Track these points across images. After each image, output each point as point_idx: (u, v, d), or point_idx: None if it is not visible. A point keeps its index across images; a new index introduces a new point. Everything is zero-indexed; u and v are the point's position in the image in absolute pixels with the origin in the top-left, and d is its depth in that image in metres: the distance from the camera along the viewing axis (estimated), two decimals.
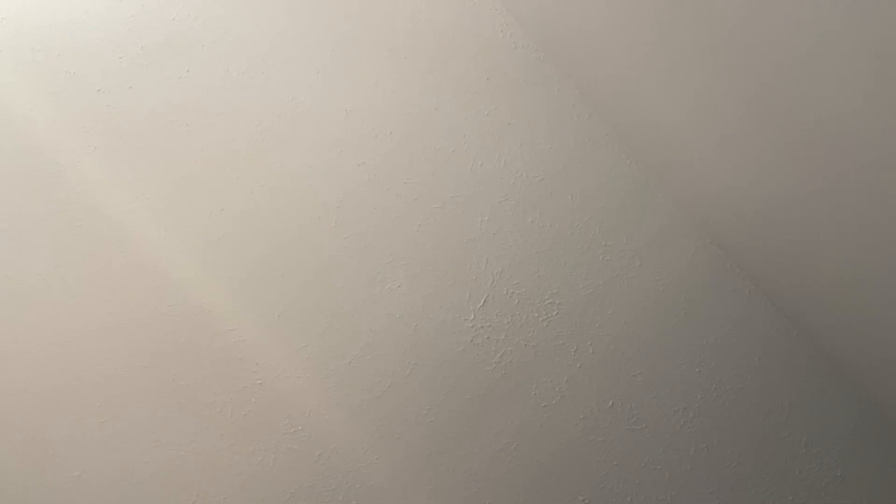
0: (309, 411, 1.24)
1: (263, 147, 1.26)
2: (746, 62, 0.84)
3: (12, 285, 1.22)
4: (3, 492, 1.20)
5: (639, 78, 1.11)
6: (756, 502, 1.26)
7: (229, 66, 1.26)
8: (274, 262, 1.25)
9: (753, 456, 1.26)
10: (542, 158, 1.29)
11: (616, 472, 1.25)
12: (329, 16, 1.28)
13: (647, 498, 1.25)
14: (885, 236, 0.88)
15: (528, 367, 1.26)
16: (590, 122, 1.29)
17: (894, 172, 0.77)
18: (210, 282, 1.24)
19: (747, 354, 1.28)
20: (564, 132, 1.29)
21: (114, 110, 1.25)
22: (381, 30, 1.28)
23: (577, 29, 1.16)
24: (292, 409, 1.24)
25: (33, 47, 1.24)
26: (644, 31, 0.99)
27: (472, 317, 1.26)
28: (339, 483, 1.20)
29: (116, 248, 1.24)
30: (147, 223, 1.25)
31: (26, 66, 1.24)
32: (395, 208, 1.27)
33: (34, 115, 1.24)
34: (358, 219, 1.27)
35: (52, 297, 1.23)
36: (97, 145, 1.24)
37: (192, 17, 1.26)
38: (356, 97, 1.27)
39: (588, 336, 1.27)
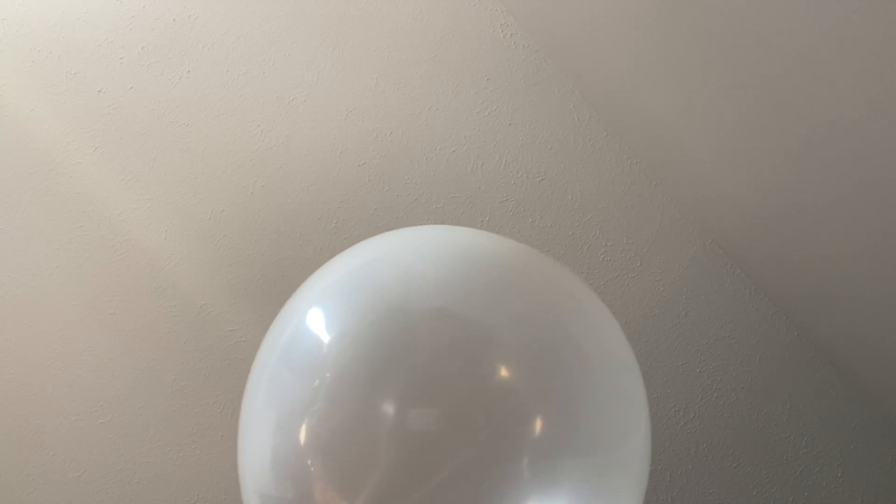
0: None
1: (263, 147, 1.26)
2: (748, 62, 0.84)
3: (12, 285, 1.22)
4: (4, 492, 1.20)
5: (639, 78, 1.10)
6: (756, 502, 1.26)
7: (229, 67, 1.26)
8: (274, 262, 1.25)
9: (753, 456, 1.26)
10: (542, 158, 1.29)
11: None
12: (329, 16, 1.28)
13: (647, 498, 1.25)
14: (886, 236, 0.88)
15: None
16: (590, 122, 1.29)
17: (894, 172, 0.77)
18: (210, 282, 1.24)
19: (747, 354, 1.28)
20: (564, 132, 1.29)
21: (114, 110, 1.25)
22: (380, 30, 1.28)
23: (578, 29, 1.16)
24: None
25: (33, 48, 1.24)
26: (645, 32, 0.98)
27: None
28: None
29: (116, 249, 1.24)
30: (147, 223, 1.25)
31: (26, 67, 1.24)
32: (396, 209, 1.27)
33: (34, 116, 1.24)
34: (358, 219, 1.27)
35: (52, 298, 1.23)
36: (97, 145, 1.24)
37: (192, 17, 1.26)
38: (356, 97, 1.27)
39: None
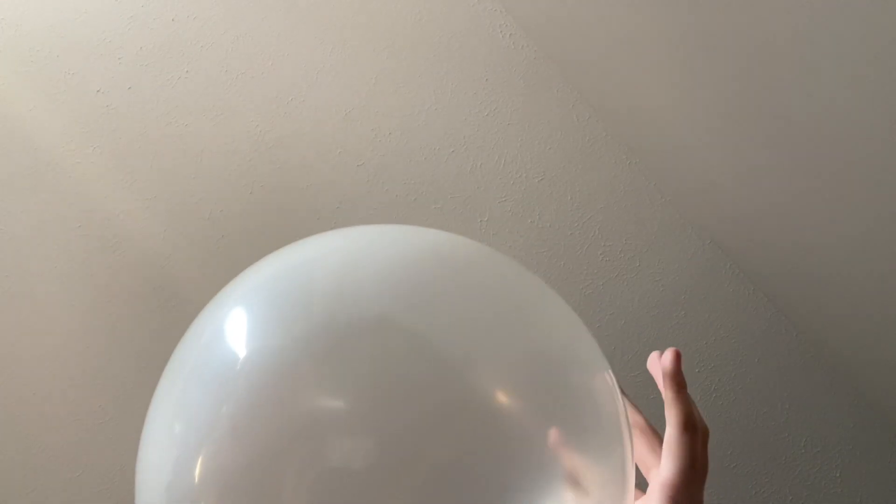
0: None
1: (262, 147, 1.26)
2: (747, 63, 0.84)
3: (12, 285, 1.22)
4: (3, 492, 1.20)
5: (639, 78, 1.10)
6: (756, 502, 1.26)
7: (228, 67, 1.26)
8: None
9: (753, 456, 1.26)
10: (541, 158, 1.28)
11: None
12: (329, 16, 1.28)
13: None
14: (885, 236, 0.88)
15: None
16: (590, 122, 1.29)
17: (894, 172, 0.77)
18: (210, 282, 1.24)
19: (747, 354, 1.28)
20: (564, 132, 1.29)
21: (112, 110, 1.25)
22: (380, 30, 1.28)
23: (578, 30, 1.15)
24: None
25: (32, 47, 1.24)
26: (645, 32, 0.98)
27: None
28: None
29: (115, 249, 1.24)
30: (146, 223, 1.25)
31: (26, 66, 1.24)
32: (395, 209, 1.27)
33: (32, 115, 1.24)
34: (358, 220, 1.27)
35: (51, 297, 1.23)
36: (96, 145, 1.24)
37: (191, 17, 1.26)
38: (355, 97, 1.27)
39: None
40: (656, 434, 0.54)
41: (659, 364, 0.50)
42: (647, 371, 1.27)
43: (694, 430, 0.46)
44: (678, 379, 0.48)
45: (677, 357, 0.49)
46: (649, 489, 0.47)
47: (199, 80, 1.26)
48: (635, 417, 0.54)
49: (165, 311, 1.24)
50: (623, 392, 0.52)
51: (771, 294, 1.27)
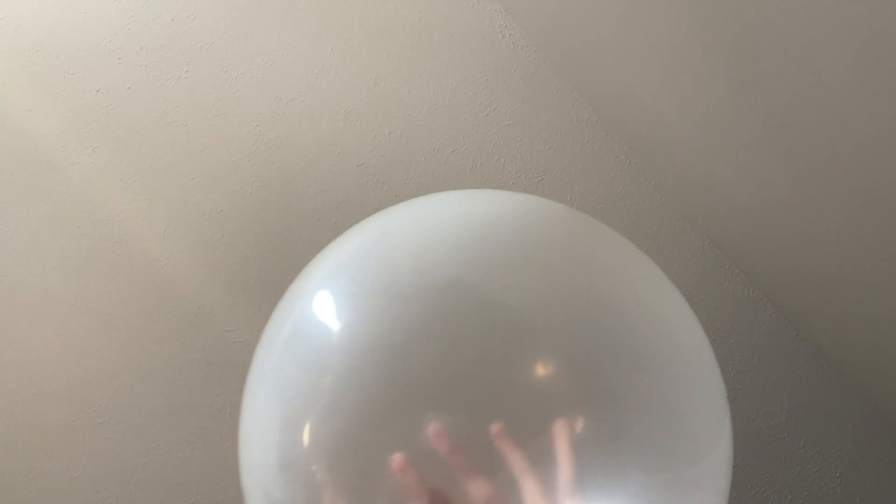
0: None
1: (262, 147, 1.26)
2: (747, 62, 0.84)
3: (12, 285, 1.23)
4: (4, 492, 1.20)
5: (639, 78, 1.10)
6: (755, 502, 1.26)
7: (228, 67, 1.26)
8: (274, 262, 1.25)
9: (753, 456, 1.26)
10: (540, 158, 1.28)
11: None
12: (328, 16, 1.28)
13: None
14: (886, 237, 0.88)
15: None
16: (590, 122, 1.29)
17: (895, 174, 0.77)
18: (210, 282, 1.24)
19: (747, 354, 1.28)
20: (564, 132, 1.29)
21: (112, 110, 1.25)
22: (379, 31, 1.28)
23: (577, 30, 1.15)
24: None
25: (31, 47, 1.24)
26: (644, 32, 0.98)
27: None
28: None
29: (114, 249, 1.24)
30: (146, 223, 1.25)
31: (25, 67, 1.24)
32: None
33: (32, 116, 1.24)
34: (358, 219, 1.26)
35: (51, 297, 1.23)
36: (95, 145, 1.24)
37: (191, 17, 1.26)
38: (355, 97, 1.27)
39: None
40: None
41: None
42: None
43: None
44: None
45: None
46: None
47: (198, 81, 1.26)
48: None
49: (165, 310, 1.24)
50: None
51: (771, 294, 1.27)
